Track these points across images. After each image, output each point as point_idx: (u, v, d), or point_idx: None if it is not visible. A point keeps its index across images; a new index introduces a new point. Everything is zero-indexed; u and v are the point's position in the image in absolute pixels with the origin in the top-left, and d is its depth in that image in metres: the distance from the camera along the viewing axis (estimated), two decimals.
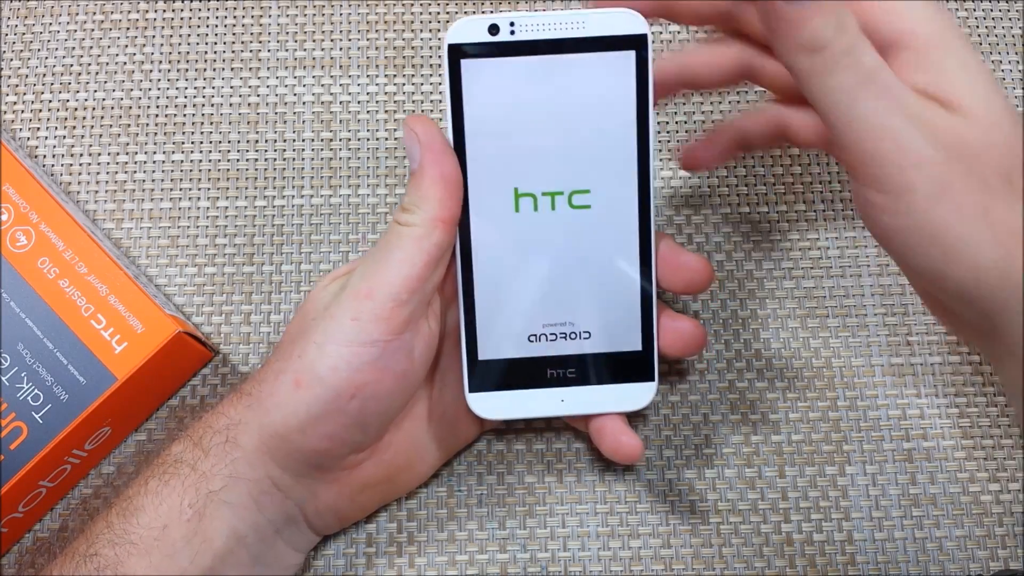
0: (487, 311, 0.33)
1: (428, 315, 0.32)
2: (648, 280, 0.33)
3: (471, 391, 0.33)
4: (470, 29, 0.31)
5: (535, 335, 0.33)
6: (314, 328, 0.31)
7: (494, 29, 0.31)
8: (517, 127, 0.32)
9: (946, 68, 0.27)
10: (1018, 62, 0.43)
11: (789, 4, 0.27)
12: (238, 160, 0.42)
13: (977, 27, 0.44)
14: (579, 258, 0.32)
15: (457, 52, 0.31)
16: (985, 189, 0.26)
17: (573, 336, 0.33)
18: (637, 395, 0.33)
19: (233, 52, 0.44)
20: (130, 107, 0.43)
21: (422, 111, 0.43)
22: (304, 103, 0.43)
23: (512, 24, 0.31)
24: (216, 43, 0.44)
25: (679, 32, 0.44)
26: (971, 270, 0.26)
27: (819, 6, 0.26)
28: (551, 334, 0.33)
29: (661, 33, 0.44)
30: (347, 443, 0.32)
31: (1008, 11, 0.44)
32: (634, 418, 0.38)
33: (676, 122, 0.42)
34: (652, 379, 0.33)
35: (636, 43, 0.31)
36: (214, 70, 0.43)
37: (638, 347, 0.33)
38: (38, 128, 0.42)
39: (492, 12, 0.44)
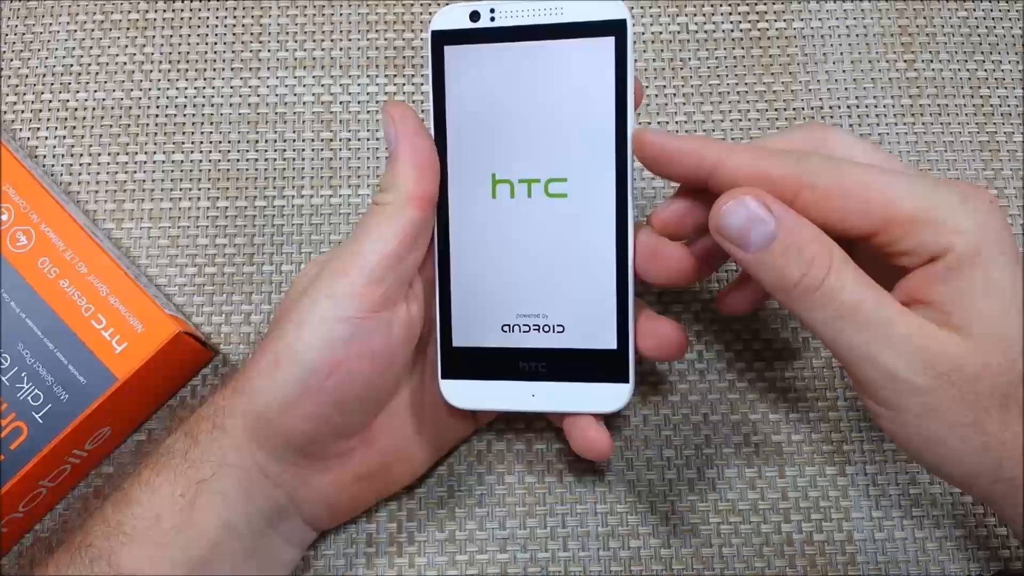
0: (462, 297, 0.32)
1: (408, 298, 0.32)
2: (624, 274, 0.31)
3: (443, 377, 0.33)
4: (452, 16, 0.31)
5: (508, 325, 0.32)
6: (292, 309, 0.31)
7: (475, 16, 0.31)
8: (496, 113, 0.31)
9: (968, 285, 0.27)
10: (1018, 62, 0.43)
11: (747, 253, 0.28)
12: (238, 160, 0.42)
13: (977, 27, 0.44)
14: (555, 248, 0.32)
15: (440, 38, 0.31)
16: (978, 409, 0.27)
17: (547, 329, 0.32)
18: (610, 396, 0.32)
19: (233, 52, 0.44)
20: (130, 107, 0.43)
21: (422, 111, 0.43)
22: (304, 103, 0.43)
23: (492, 11, 0.31)
24: (216, 43, 0.44)
25: (679, 32, 0.44)
26: (964, 476, 0.28)
27: (778, 250, 0.27)
28: (524, 325, 0.32)
29: (661, 33, 0.44)
30: (329, 424, 0.31)
31: (1008, 11, 0.44)
32: (634, 417, 0.38)
33: (676, 122, 0.42)
34: (627, 381, 0.32)
35: (615, 29, 0.30)
36: (214, 70, 0.43)
37: (612, 345, 0.32)
38: (38, 128, 0.42)
39: None
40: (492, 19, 0.31)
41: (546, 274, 0.32)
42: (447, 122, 0.32)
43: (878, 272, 0.28)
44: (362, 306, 0.30)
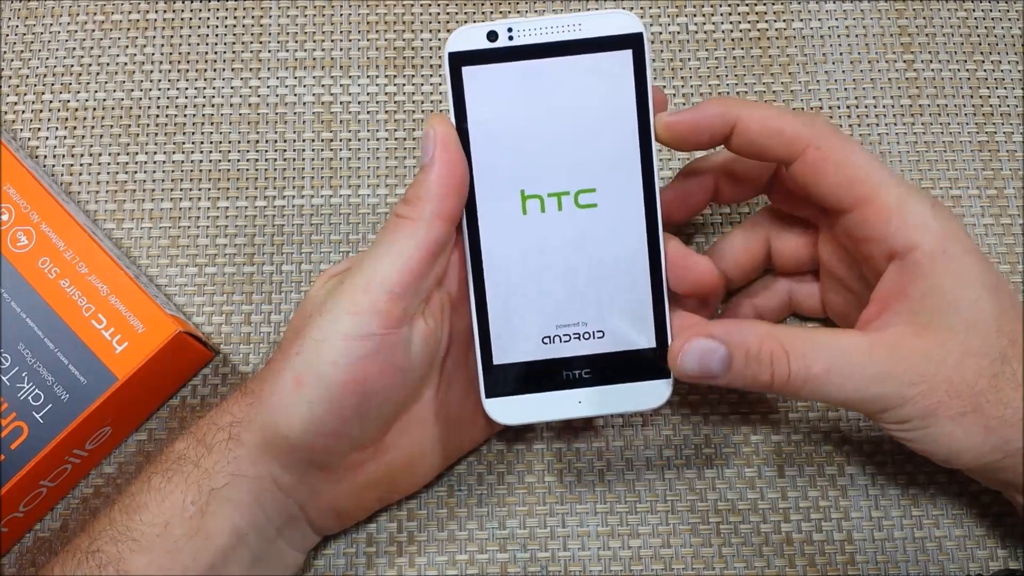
0: (500, 315, 0.33)
1: (426, 312, 0.32)
2: (658, 276, 0.33)
3: (487, 397, 0.33)
4: (469, 37, 0.31)
5: (549, 337, 0.33)
6: (312, 324, 0.31)
7: (493, 36, 0.31)
8: (520, 130, 0.32)
9: (939, 281, 0.30)
10: (1018, 62, 0.43)
11: (719, 379, 0.30)
12: (238, 160, 0.42)
13: (977, 27, 0.44)
14: (589, 257, 0.32)
15: (458, 60, 0.31)
16: (972, 395, 0.29)
17: (587, 336, 0.33)
18: (654, 393, 0.33)
19: (233, 52, 0.44)
20: (131, 107, 0.43)
21: (422, 111, 0.43)
22: (304, 103, 0.43)
23: (510, 30, 0.31)
24: (216, 43, 0.44)
25: (679, 32, 0.44)
26: (978, 462, 0.30)
27: (740, 363, 0.30)
28: (565, 335, 0.33)
29: (661, 33, 0.44)
30: (348, 439, 0.32)
31: (1008, 11, 0.44)
32: (634, 417, 0.38)
33: None
34: (668, 376, 0.33)
35: (632, 42, 0.31)
36: (214, 70, 0.43)
37: (652, 344, 0.33)
38: (39, 128, 0.42)
39: (491, 14, 0.44)
40: (511, 38, 0.31)
41: (583, 283, 0.33)
42: (471, 142, 0.32)
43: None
44: (383, 323, 0.30)
